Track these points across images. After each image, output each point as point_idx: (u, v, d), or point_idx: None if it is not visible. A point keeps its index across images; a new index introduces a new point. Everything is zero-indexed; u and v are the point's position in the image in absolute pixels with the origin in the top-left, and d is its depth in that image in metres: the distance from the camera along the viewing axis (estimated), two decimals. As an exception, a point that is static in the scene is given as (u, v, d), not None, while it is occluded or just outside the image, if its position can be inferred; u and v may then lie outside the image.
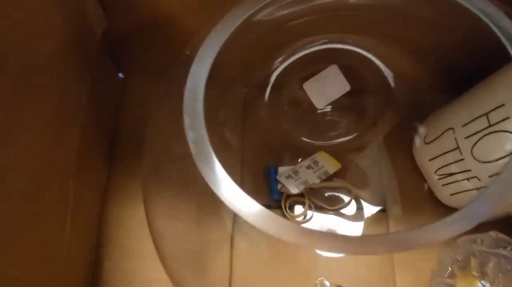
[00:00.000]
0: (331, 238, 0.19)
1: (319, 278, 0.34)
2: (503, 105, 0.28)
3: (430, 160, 0.35)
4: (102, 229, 0.38)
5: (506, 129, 0.29)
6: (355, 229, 0.37)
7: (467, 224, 0.20)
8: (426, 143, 0.36)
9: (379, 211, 0.37)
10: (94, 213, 0.38)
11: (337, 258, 0.35)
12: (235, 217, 0.35)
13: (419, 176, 0.37)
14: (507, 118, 0.28)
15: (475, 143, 0.30)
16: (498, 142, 0.29)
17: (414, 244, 0.19)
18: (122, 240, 0.38)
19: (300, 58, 0.35)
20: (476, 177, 0.31)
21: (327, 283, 0.34)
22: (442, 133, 0.34)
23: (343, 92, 0.36)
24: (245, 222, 0.21)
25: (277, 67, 0.36)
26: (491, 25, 0.20)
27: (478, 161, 0.31)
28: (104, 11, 0.35)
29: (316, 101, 0.36)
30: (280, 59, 0.35)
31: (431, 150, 0.35)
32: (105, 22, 0.35)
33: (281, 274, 0.35)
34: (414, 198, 0.37)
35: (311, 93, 0.36)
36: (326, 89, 0.36)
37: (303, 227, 0.20)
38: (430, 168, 0.35)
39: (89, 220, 0.37)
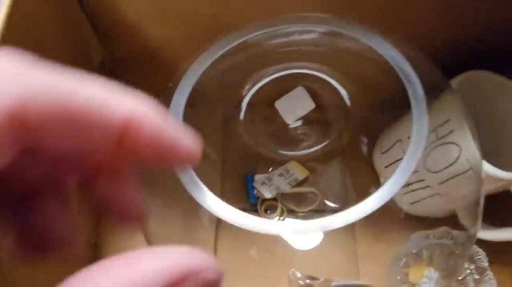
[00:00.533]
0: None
1: (291, 270, 0.37)
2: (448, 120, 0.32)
3: (386, 167, 0.39)
4: (100, 232, 0.41)
5: (449, 141, 0.32)
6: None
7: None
8: (382, 153, 0.40)
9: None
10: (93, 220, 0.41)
11: (308, 251, 0.37)
12: (218, 221, 0.39)
13: (377, 181, 0.40)
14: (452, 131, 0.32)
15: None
16: (443, 153, 0.33)
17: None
18: (118, 242, 0.41)
19: (271, 81, 0.37)
20: (429, 186, 0.35)
21: (298, 273, 0.37)
22: (393, 145, 0.38)
23: (309, 109, 0.39)
24: (225, 225, 0.25)
25: (251, 89, 0.38)
26: (397, 70, 0.25)
27: (429, 171, 0.34)
28: (100, 43, 0.38)
29: (286, 117, 0.39)
30: (253, 82, 0.38)
31: (386, 159, 0.39)
32: (101, 53, 0.38)
33: (259, 268, 0.38)
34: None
35: (282, 110, 0.39)
36: (295, 106, 0.39)
37: (264, 219, 0.25)
38: (387, 174, 0.38)
39: (88, 225, 0.40)
